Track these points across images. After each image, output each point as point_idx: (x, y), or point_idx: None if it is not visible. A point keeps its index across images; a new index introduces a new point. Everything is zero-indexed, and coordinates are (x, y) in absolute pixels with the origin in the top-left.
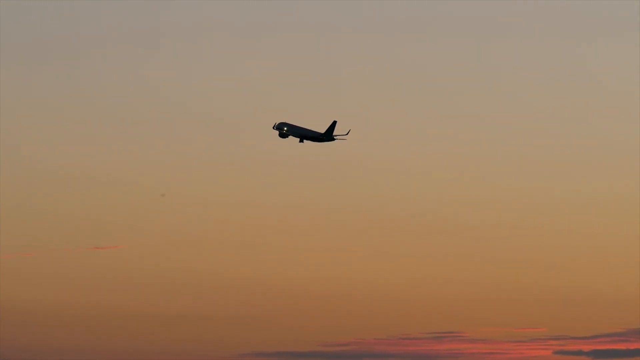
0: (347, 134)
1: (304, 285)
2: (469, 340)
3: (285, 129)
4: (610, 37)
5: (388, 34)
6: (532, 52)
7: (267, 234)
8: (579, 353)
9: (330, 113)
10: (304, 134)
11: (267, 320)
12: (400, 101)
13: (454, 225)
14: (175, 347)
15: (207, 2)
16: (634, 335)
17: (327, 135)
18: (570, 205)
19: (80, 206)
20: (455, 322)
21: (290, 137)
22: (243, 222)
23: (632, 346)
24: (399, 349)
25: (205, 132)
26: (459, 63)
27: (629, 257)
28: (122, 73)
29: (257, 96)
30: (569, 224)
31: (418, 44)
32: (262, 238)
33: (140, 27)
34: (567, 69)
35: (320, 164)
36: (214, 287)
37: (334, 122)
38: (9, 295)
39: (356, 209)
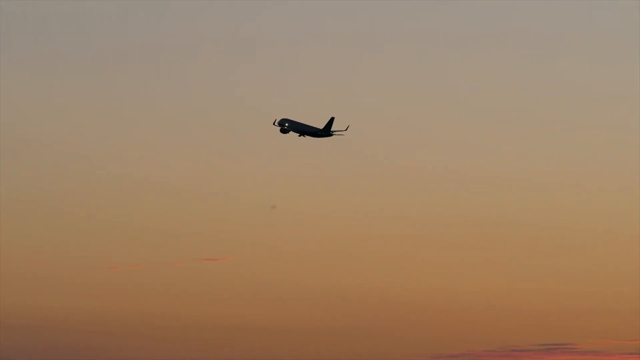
0: (346, 129)
1: (415, 297)
2: (580, 352)
3: (286, 124)
4: None
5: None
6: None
7: (376, 246)
8: None
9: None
10: (304, 130)
11: (378, 332)
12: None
13: (566, 237)
14: (282, 359)
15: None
16: None
17: (325, 131)
18: None
19: (188, 218)
20: (565, 334)
21: (291, 133)
22: (352, 233)
23: None
24: None
25: (313, 145)
26: (527, 73)
27: None
28: (223, 86)
29: (367, 108)
30: None
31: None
32: (371, 250)
33: (229, 33)
34: None
35: (429, 175)
36: (321, 299)
37: (332, 119)
38: (117, 307)
39: (466, 221)
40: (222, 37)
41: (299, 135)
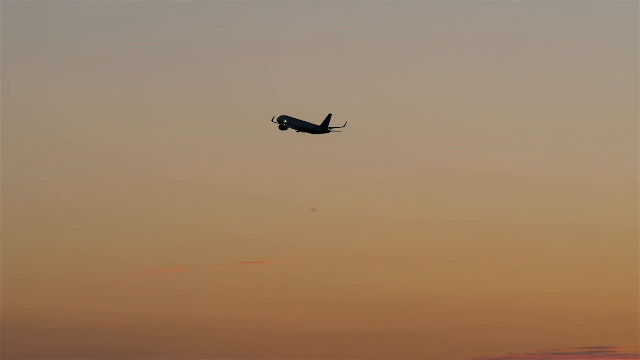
0: (343, 126)
1: (458, 300)
2: (622, 355)
3: (285, 121)
4: None
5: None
6: None
7: (420, 249)
8: None
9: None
10: (302, 126)
11: (420, 334)
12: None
13: (607, 238)
14: None
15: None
16: None
17: (323, 127)
18: None
19: (230, 222)
20: (607, 337)
21: (290, 130)
22: (394, 236)
23: None
24: None
25: (355, 147)
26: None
27: None
28: (262, 88)
29: (406, 108)
30: None
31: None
32: (415, 253)
33: (262, 35)
34: None
35: (478, 176)
36: (365, 302)
37: (329, 115)
38: (159, 310)
39: (514, 223)
40: (254, 39)
41: (297, 131)
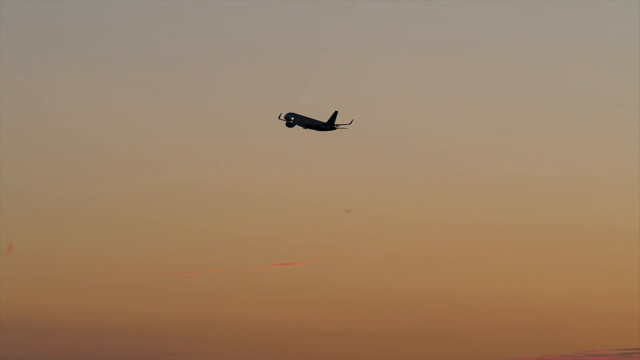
0: (349, 123)
1: (492, 301)
2: None
3: (292, 118)
4: None
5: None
6: None
7: (453, 249)
8: None
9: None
10: (309, 123)
11: (455, 335)
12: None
13: None
14: None
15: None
16: None
17: (329, 124)
18: None
19: (265, 223)
20: None
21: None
22: (428, 237)
23: None
24: None
25: (387, 149)
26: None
27: None
28: (294, 90)
29: (441, 110)
30: None
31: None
32: (449, 253)
33: (297, 36)
34: None
35: (505, 177)
36: (398, 302)
37: (336, 112)
38: (194, 312)
39: (544, 223)
40: (286, 40)
41: (304, 127)
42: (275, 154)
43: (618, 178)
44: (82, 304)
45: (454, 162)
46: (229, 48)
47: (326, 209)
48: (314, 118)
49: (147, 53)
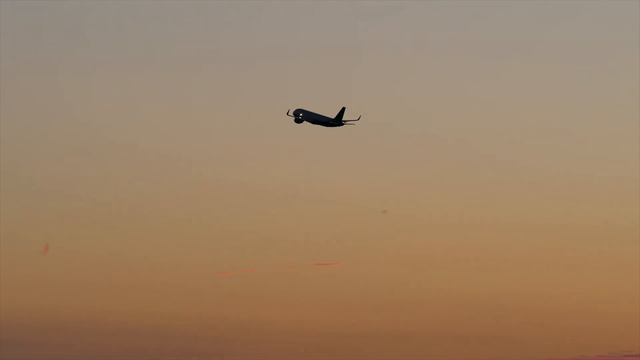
0: (358, 119)
1: (528, 302)
2: None
3: (301, 115)
4: None
5: None
6: None
7: (488, 250)
8: None
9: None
10: (317, 119)
11: (489, 336)
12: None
13: None
14: None
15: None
16: None
17: (337, 120)
18: None
19: (299, 224)
20: None
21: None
22: (462, 238)
23: None
24: None
25: (424, 148)
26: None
27: None
28: (334, 91)
29: (476, 113)
30: None
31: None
32: (482, 254)
33: (334, 35)
34: None
35: (545, 179)
36: (432, 303)
37: (343, 108)
38: (228, 312)
39: (582, 224)
40: (323, 38)
41: (313, 124)
42: (312, 154)
43: None
44: (116, 305)
45: (502, 162)
46: (262, 47)
47: (362, 209)
48: (321, 114)
49: (175, 52)
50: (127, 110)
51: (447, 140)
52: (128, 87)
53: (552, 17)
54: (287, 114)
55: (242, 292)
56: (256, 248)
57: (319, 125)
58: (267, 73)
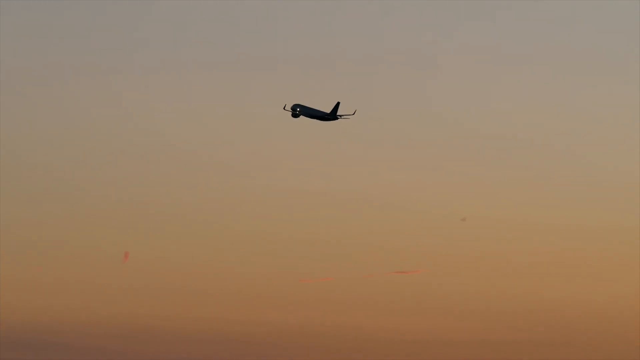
0: (353, 113)
1: (613, 307)
2: None
3: (298, 109)
4: None
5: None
6: None
7: (574, 256)
8: None
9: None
10: (313, 114)
11: (572, 341)
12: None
13: None
14: None
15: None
16: None
17: (332, 115)
18: None
19: (378, 231)
20: None
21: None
22: (545, 243)
23: None
24: None
25: (505, 153)
26: None
27: None
28: (415, 97)
29: (562, 117)
30: None
31: None
32: (570, 260)
33: (413, 42)
34: None
35: (602, 180)
36: (513, 309)
37: (338, 103)
38: (308, 320)
39: (627, 225)
40: (407, 46)
41: (309, 118)
42: (389, 161)
43: None
44: (199, 312)
45: (580, 167)
46: (333, 48)
47: (441, 217)
48: (317, 108)
49: (234, 54)
50: (193, 116)
51: (528, 145)
52: (188, 89)
53: None
54: (284, 108)
55: (321, 299)
56: (335, 256)
57: (328, 122)
58: (339, 77)
